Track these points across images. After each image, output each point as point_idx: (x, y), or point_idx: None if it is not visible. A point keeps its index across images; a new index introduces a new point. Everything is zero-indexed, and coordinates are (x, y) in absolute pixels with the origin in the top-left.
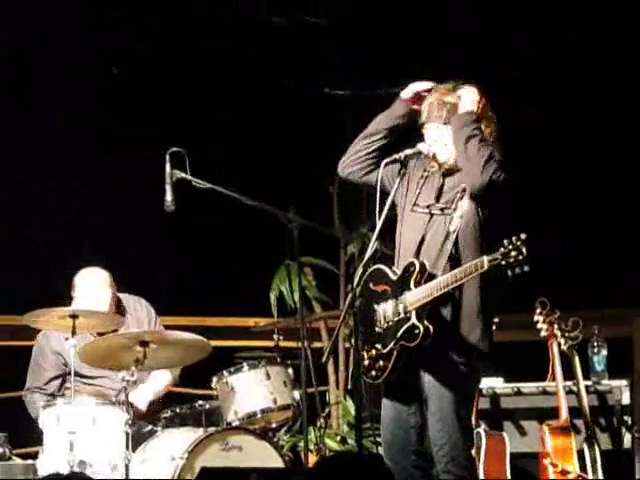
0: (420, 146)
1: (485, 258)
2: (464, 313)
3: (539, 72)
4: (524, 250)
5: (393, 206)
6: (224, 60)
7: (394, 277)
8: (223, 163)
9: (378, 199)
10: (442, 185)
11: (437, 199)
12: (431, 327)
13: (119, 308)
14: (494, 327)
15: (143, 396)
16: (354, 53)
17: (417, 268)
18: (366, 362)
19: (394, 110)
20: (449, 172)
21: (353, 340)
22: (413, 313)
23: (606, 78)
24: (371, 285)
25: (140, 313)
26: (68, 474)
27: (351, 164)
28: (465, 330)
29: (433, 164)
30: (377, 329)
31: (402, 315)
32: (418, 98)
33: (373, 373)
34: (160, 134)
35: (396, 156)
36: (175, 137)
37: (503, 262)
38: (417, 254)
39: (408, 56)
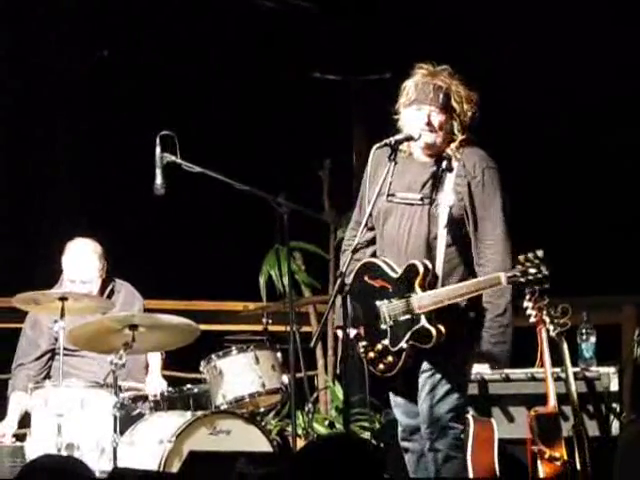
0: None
1: (502, 275)
2: (466, 314)
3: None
4: (543, 269)
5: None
6: (215, 44)
7: (394, 275)
8: (213, 147)
9: (367, 185)
10: (421, 175)
11: (420, 190)
12: (443, 329)
13: (107, 286)
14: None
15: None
16: (346, 37)
17: (421, 271)
18: (372, 355)
19: None
20: (428, 156)
21: (338, 322)
22: (422, 316)
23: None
24: (366, 278)
25: (130, 298)
26: (59, 457)
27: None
28: (469, 328)
29: (405, 151)
30: (382, 326)
31: (409, 316)
32: None
33: (382, 367)
34: (151, 117)
35: (386, 141)
36: (166, 120)
37: (522, 279)
38: (406, 247)
39: (398, 41)
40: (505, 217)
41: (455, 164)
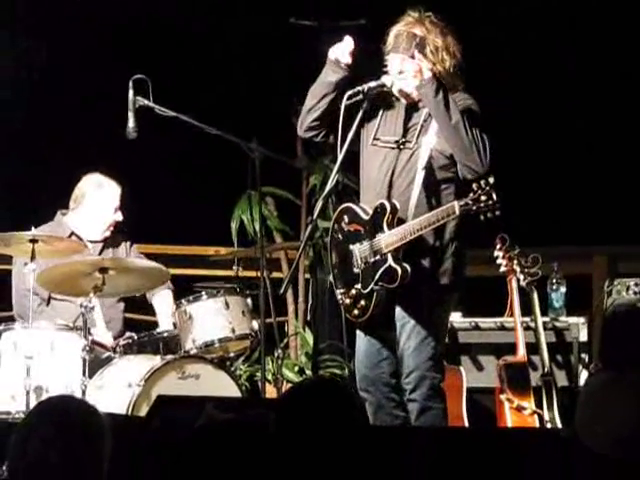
0: (384, 79)
1: (456, 203)
2: (434, 251)
3: None
4: (494, 195)
5: (356, 139)
6: None
7: (366, 217)
8: (187, 92)
9: (340, 131)
10: (406, 119)
11: (403, 134)
12: (409, 267)
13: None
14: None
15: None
16: None
17: (388, 209)
18: (347, 301)
19: (326, 76)
20: (412, 105)
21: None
22: (389, 255)
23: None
24: (343, 224)
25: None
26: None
27: (309, 128)
28: (436, 266)
29: (396, 96)
30: (355, 270)
31: (378, 257)
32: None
33: (356, 312)
34: (126, 62)
35: (359, 88)
36: (139, 65)
37: (474, 207)
38: (389, 191)
39: None
40: (489, 154)
41: None
